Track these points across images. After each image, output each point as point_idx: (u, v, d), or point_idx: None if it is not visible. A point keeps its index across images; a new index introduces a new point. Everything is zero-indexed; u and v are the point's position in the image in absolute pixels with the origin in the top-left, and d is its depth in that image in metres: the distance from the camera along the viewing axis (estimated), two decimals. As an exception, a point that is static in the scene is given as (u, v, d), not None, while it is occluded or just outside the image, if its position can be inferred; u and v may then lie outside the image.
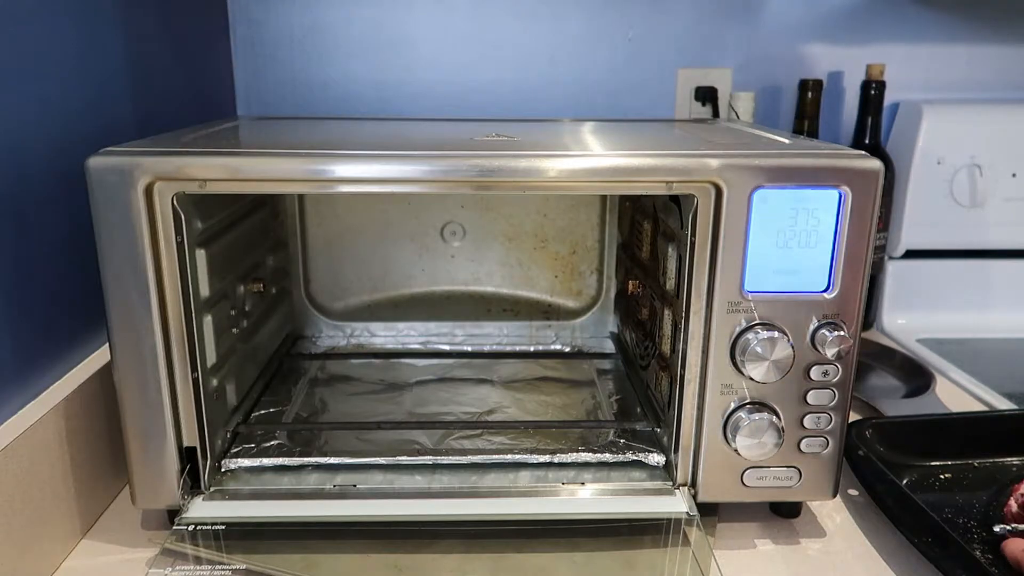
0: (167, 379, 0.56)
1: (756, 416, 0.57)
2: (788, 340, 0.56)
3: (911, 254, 1.04)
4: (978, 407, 0.84)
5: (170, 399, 0.56)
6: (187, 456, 0.58)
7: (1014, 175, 1.01)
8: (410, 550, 0.58)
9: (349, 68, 1.03)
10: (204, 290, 0.61)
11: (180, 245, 0.54)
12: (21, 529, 0.53)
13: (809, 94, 0.98)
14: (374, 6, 1.01)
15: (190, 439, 0.58)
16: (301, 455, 0.64)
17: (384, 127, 0.80)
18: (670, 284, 0.66)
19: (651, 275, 0.74)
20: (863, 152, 0.56)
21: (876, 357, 0.94)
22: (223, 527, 0.57)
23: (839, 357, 0.57)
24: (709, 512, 0.62)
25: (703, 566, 0.55)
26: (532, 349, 0.91)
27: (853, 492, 0.68)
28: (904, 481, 0.66)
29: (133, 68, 0.73)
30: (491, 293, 0.93)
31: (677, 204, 0.62)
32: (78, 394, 0.60)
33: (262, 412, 0.73)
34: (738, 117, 1.02)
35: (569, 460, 0.64)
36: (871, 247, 0.56)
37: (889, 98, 1.01)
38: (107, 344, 0.56)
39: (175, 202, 0.53)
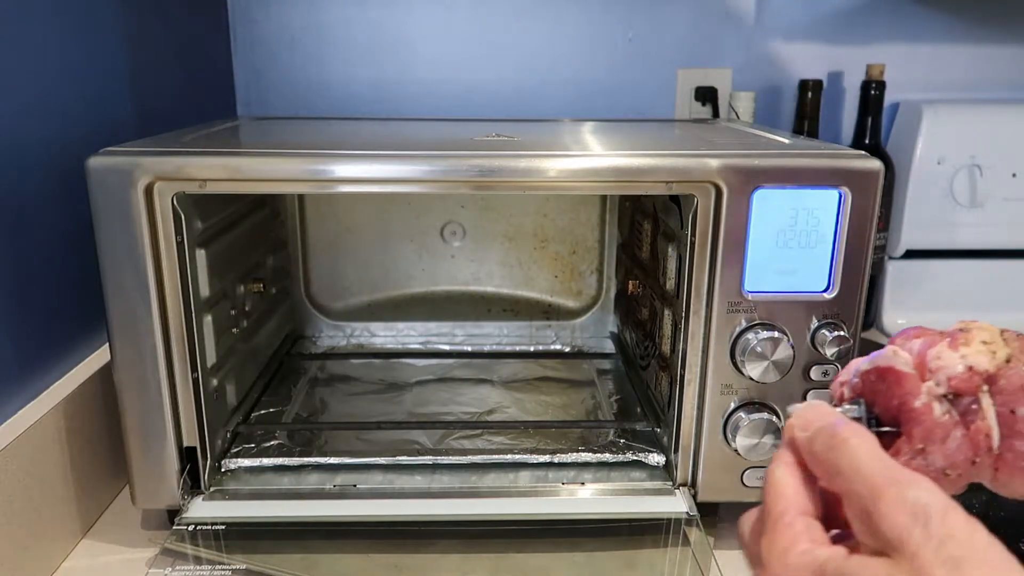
0: (167, 379, 0.56)
1: (756, 416, 0.57)
2: (788, 340, 0.56)
3: (911, 254, 1.04)
4: (978, 407, 0.84)
5: (170, 399, 0.56)
6: (187, 456, 0.58)
7: (1014, 175, 1.01)
8: (410, 550, 0.58)
9: (349, 68, 1.03)
10: (204, 290, 0.61)
11: (180, 245, 0.54)
12: (21, 529, 0.53)
13: (809, 94, 0.98)
14: (374, 6, 1.01)
15: (190, 439, 0.58)
16: (301, 455, 0.64)
17: (384, 127, 0.80)
18: (670, 284, 0.66)
19: (651, 275, 0.74)
20: (863, 152, 0.56)
21: (876, 357, 0.94)
22: (223, 527, 0.57)
23: (839, 357, 0.57)
24: (709, 512, 0.62)
25: (703, 566, 0.55)
26: (532, 349, 0.91)
27: (853, 492, 0.68)
28: (904, 481, 0.66)
29: (133, 68, 0.73)
30: (491, 293, 0.93)
31: (677, 204, 0.62)
32: (78, 394, 0.60)
33: (262, 412, 0.73)
34: (738, 117, 1.02)
35: (569, 460, 0.64)
36: (871, 247, 0.56)
37: (889, 98, 1.01)
38: (107, 344, 0.56)
39: (175, 202, 0.53)
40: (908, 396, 0.34)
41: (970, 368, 0.34)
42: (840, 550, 0.29)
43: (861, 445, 0.30)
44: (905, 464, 0.33)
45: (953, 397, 0.34)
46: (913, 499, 0.28)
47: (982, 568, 0.26)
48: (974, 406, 0.34)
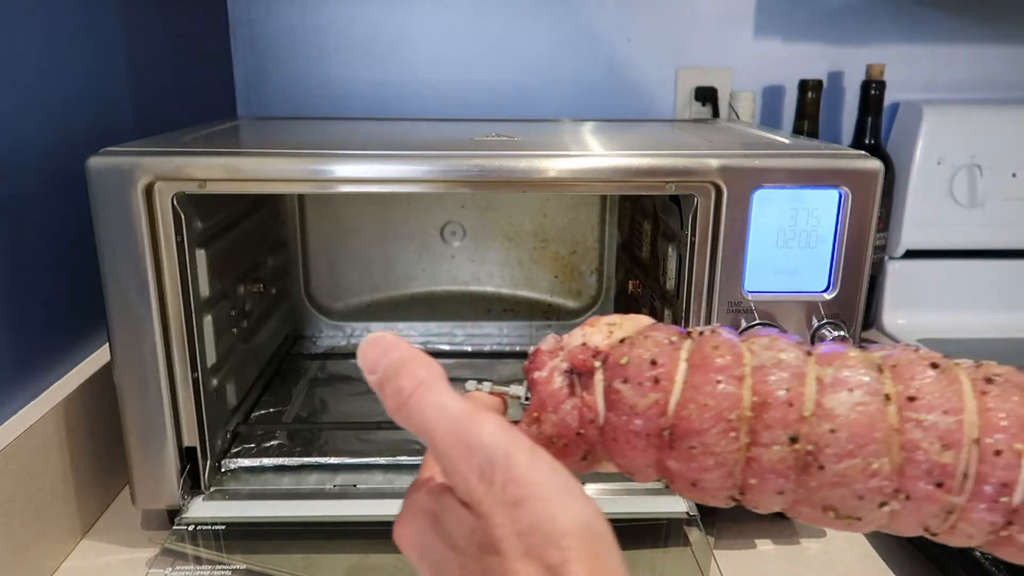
0: (167, 379, 0.56)
1: (756, 416, 0.57)
2: (788, 340, 0.56)
3: (911, 254, 1.04)
4: (978, 407, 0.84)
5: (170, 399, 0.56)
6: (187, 456, 0.58)
7: (1014, 175, 1.01)
8: (410, 550, 0.58)
9: (349, 68, 1.03)
10: (204, 290, 0.61)
11: (180, 245, 0.54)
12: (21, 529, 0.53)
13: (809, 94, 0.98)
14: (374, 6, 1.01)
15: (190, 439, 0.58)
16: (301, 455, 0.64)
17: (384, 127, 0.80)
18: (670, 284, 0.66)
19: (651, 275, 0.74)
20: (863, 152, 0.56)
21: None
22: (223, 527, 0.57)
23: (839, 357, 0.56)
24: (709, 512, 0.62)
25: (703, 566, 0.55)
26: (532, 349, 0.91)
27: (853, 492, 0.68)
28: (904, 481, 0.66)
29: (133, 68, 0.73)
30: (491, 293, 0.93)
31: (677, 204, 0.62)
32: (78, 394, 0.60)
33: (262, 412, 0.73)
34: (738, 117, 1.02)
35: (569, 460, 0.64)
36: (871, 247, 0.56)
37: (889, 98, 1.01)
38: (107, 344, 0.56)
39: (175, 202, 0.53)
40: (534, 369, 0.38)
41: (584, 344, 0.37)
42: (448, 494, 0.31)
43: (426, 403, 0.30)
44: (522, 431, 0.34)
45: (577, 373, 0.36)
46: (480, 456, 0.29)
47: (539, 502, 0.28)
48: (592, 381, 0.36)
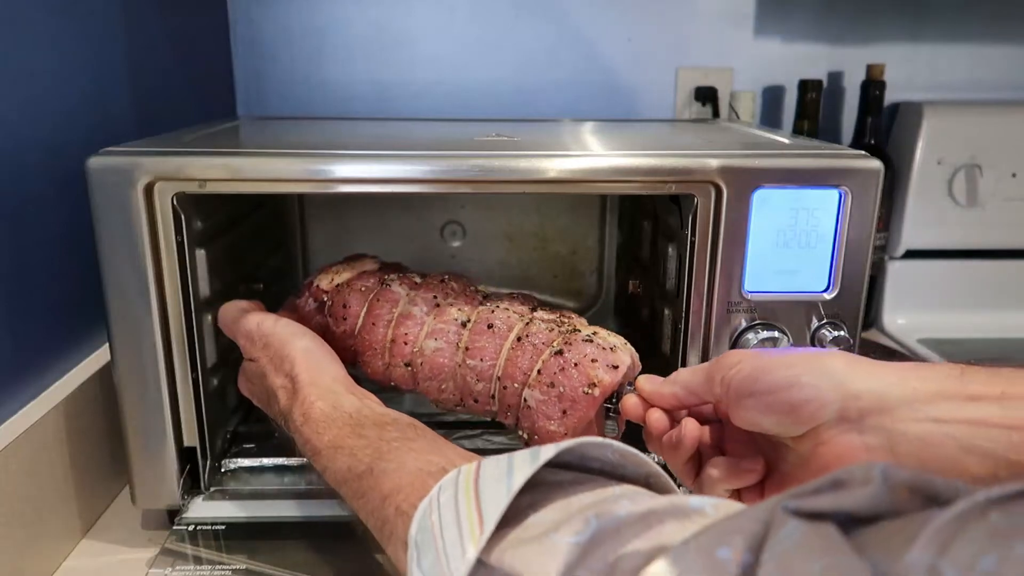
0: (167, 379, 0.56)
1: (756, 416, 0.57)
2: (788, 340, 0.56)
3: (911, 254, 1.04)
4: (978, 407, 0.84)
5: (170, 399, 0.56)
6: (187, 456, 0.58)
7: (1014, 175, 1.01)
8: (410, 550, 0.58)
9: (349, 68, 1.03)
10: (204, 290, 0.61)
11: (180, 245, 0.54)
12: (21, 529, 0.53)
13: (809, 94, 0.98)
14: (374, 6, 1.01)
15: (190, 439, 0.58)
16: (301, 455, 0.64)
17: (384, 127, 0.80)
18: (670, 284, 0.66)
19: (651, 275, 0.74)
20: (863, 152, 0.56)
21: (876, 357, 0.94)
22: (223, 527, 0.57)
23: (839, 357, 0.56)
24: (709, 512, 0.62)
25: (703, 566, 0.55)
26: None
27: (853, 492, 0.68)
28: (904, 481, 0.66)
29: (133, 68, 0.73)
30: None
31: (677, 204, 0.62)
32: (78, 394, 0.60)
33: (262, 411, 0.73)
34: (738, 117, 1.02)
35: (569, 460, 0.64)
36: (871, 247, 0.56)
37: (889, 98, 1.01)
38: (107, 344, 0.56)
39: (175, 202, 0.53)
40: (300, 295, 0.64)
41: (317, 286, 0.62)
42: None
43: (228, 316, 0.59)
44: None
45: (319, 301, 0.62)
46: (244, 331, 0.57)
47: (277, 342, 0.55)
48: (324, 309, 0.62)
